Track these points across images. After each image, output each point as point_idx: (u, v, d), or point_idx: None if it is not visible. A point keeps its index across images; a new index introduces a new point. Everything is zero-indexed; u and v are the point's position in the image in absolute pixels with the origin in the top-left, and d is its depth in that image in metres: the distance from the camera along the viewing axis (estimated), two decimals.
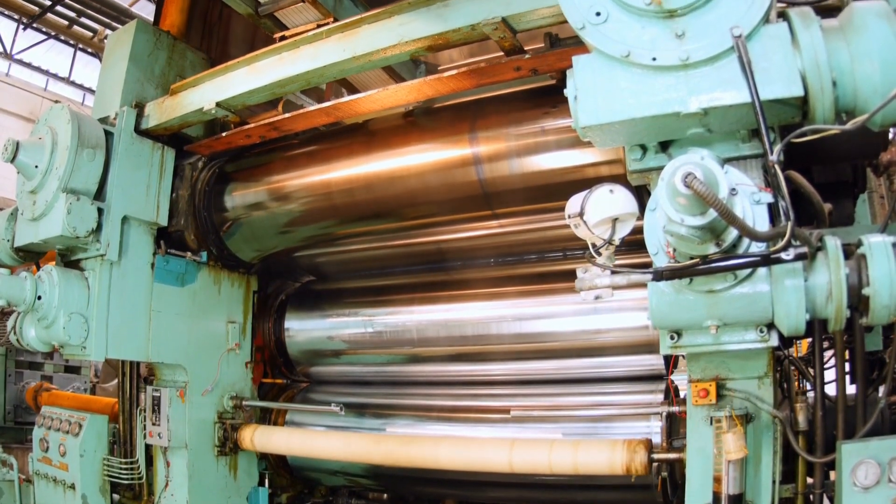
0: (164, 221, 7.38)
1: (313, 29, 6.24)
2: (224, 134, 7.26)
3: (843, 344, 4.56)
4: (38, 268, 6.83)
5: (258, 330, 8.58)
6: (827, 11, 4.16)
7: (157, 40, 7.62)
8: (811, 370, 4.69)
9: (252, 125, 7.04)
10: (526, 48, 5.60)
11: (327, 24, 6.50)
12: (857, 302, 3.50)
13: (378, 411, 7.82)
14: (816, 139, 3.40)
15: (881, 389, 4.59)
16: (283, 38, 6.65)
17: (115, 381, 9.22)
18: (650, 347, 6.35)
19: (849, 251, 3.57)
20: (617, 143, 4.04)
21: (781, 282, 3.56)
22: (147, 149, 7.25)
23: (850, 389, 4.64)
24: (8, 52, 25.12)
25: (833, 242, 3.56)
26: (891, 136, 4.66)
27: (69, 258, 6.97)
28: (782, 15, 3.68)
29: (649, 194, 3.92)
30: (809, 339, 5.16)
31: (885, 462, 3.84)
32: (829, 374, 4.73)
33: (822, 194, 4.03)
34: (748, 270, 3.63)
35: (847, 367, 4.74)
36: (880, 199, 7.14)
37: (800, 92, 3.37)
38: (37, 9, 18.85)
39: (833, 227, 4.18)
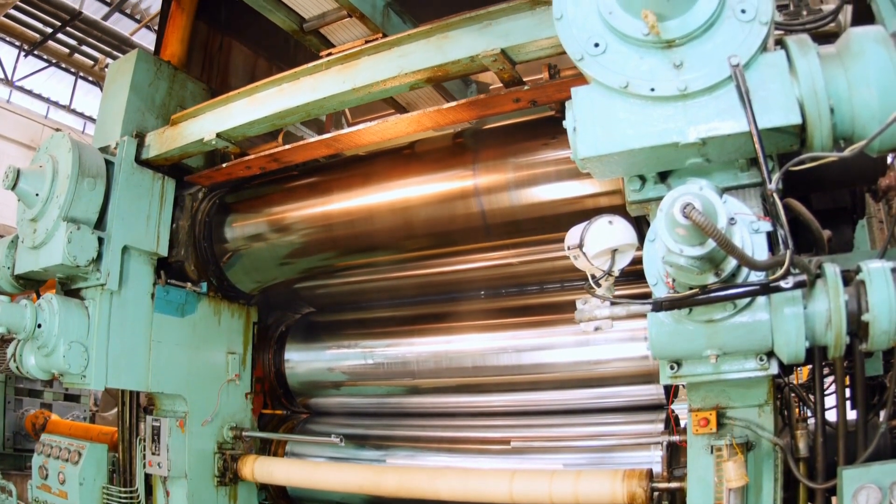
0: (164, 252, 7.39)
1: (360, 45, 6.20)
2: (224, 165, 7.29)
3: (843, 370, 4.55)
4: (38, 296, 6.83)
5: (258, 361, 8.56)
6: (825, 37, 4.19)
7: (157, 70, 7.66)
8: (811, 397, 4.68)
9: (252, 156, 7.06)
10: (525, 79, 5.63)
11: (375, 39, 6.50)
12: (857, 328, 3.49)
13: (378, 443, 7.80)
14: (815, 166, 3.39)
15: (882, 414, 4.58)
16: (329, 55, 6.59)
17: (115, 409, 9.22)
18: (650, 377, 6.34)
19: (848, 278, 3.56)
20: (616, 175, 4.04)
21: (781, 310, 3.55)
22: (147, 179, 7.27)
23: (851, 415, 4.63)
24: (9, 78, 25.20)
25: (832, 269, 3.56)
26: (889, 160, 4.67)
27: (69, 287, 6.96)
28: (780, 42, 3.69)
29: (648, 225, 3.93)
30: (810, 366, 5.16)
31: (885, 486, 3.82)
32: (830, 400, 4.72)
33: (821, 221, 4.04)
34: (747, 299, 3.62)
35: (848, 392, 4.74)
36: (879, 224, 7.15)
37: (798, 120, 3.37)
38: (38, 36, 18.93)
39: (832, 253, 4.19)
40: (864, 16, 4.40)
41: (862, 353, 4.30)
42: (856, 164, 3.72)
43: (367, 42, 6.49)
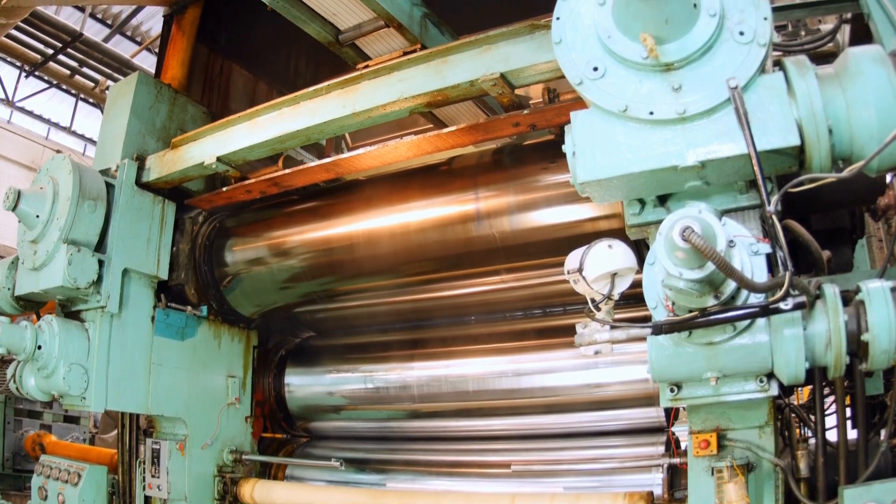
0: (164, 275, 7.40)
1: (398, 57, 6.22)
2: (224, 189, 7.31)
3: (843, 390, 4.55)
4: (39, 317, 6.83)
5: (258, 384, 8.55)
6: (823, 57, 4.21)
7: (158, 93, 7.70)
8: (812, 417, 4.67)
9: (252, 180, 7.09)
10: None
11: (414, 51, 6.55)
12: (857, 348, 3.48)
13: (378, 466, 7.78)
14: (814, 187, 3.40)
15: (883, 433, 4.58)
16: (366, 67, 6.61)
17: (115, 431, 9.21)
18: (650, 400, 6.33)
19: (847, 298, 3.55)
20: (615, 199, 4.03)
21: (780, 331, 3.54)
22: (148, 202, 7.29)
23: (852, 434, 4.62)
24: (10, 99, 25.24)
25: (831, 290, 3.55)
26: (888, 180, 4.67)
27: (69, 309, 6.96)
28: (778, 63, 3.70)
29: (648, 248, 3.93)
30: (810, 386, 5.15)
31: None
32: (831, 420, 4.72)
33: (821, 241, 4.03)
34: (747, 321, 3.61)
35: (848, 412, 4.73)
36: (879, 244, 7.17)
37: (796, 141, 3.37)
38: (39, 57, 18.92)
39: (832, 273, 4.18)
40: (863, 35, 4.42)
41: (862, 373, 4.31)
42: (855, 183, 3.70)
43: (404, 54, 6.52)
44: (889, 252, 4.48)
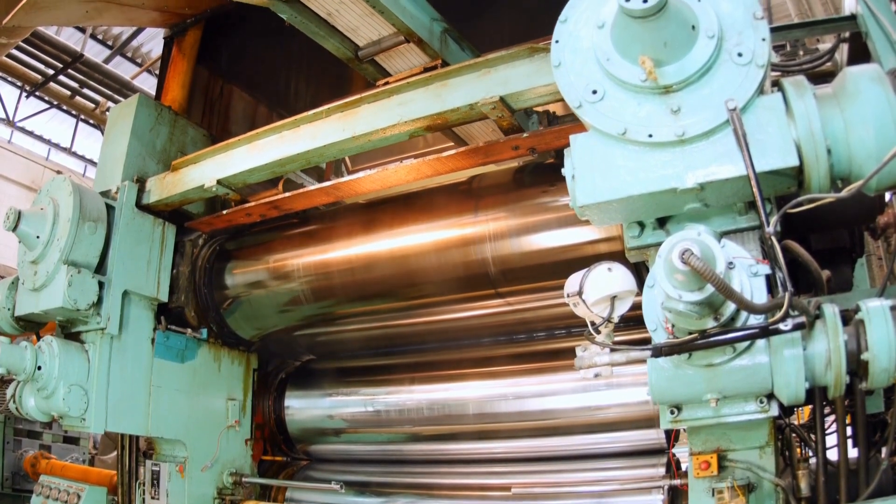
0: (164, 297, 7.40)
1: (419, 73, 6.23)
2: (225, 212, 7.32)
3: (843, 409, 4.55)
4: (38, 338, 6.82)
5: (258, 407, 8.54)
6: (822, 77, 4.22)
7: (158, 115, 7.72)
8: (813, 436, 4.67)
9: (252, 203, 7.10)
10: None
11: (435, 67, 6.52)
12: (857, 367, 3.48)
13: (379, 489, 7.75)
14: (813, 207, 3.41)
15: (884, 451, 4.57)
16: (385, 83, 6.57)
17: (114, 453, 9.18)
18: (651, 422, 6.32)
19: (847, 317, 3.55)
20: (615, 221, 4.04)
21: (780, 352, 3.54)
22: (148, 224, 7.30)
23: (853, 453, 4.62)
24: (10, 119, 25.28)
25: (831, 310, 3.55)
26: (887, 198, 4.68)
27: (69, 330, 6.95)
28: (776, 84, 3.71)
29: (648, 270, 3.93)
30: (811, 406, 5.15)
31: None
32: (831, 439, 4.71)
33: (820, 261, 4.02)
34: (747, 343, 3.61)
35: (849, 430, 4.73)
36: (878, 262, 7.18)
37: (795, 162, 3.38)
38: (40, 77, 18.95)
39: (832, 293, 4.17)
40: (861, 54, 4.45)
41: (862, 392, 4.31)
42: (854, 203, 3.70)
43: (425, 70, 6.48)
44: (889, 270, 4.50)
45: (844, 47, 4.95)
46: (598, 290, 4.05)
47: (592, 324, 4.11)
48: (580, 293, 4.07)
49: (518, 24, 8.97)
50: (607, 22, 3.72)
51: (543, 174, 6.38)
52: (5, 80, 22.48)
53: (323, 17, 6.69)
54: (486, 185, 6.80)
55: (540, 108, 5.92)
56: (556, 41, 3.93)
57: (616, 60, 3.64)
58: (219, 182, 6.74)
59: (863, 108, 3.44)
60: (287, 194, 6.93)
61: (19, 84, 21.62)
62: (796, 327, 3.32)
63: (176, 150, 7.80)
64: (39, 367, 6.43)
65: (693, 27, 3.53)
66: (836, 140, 3.46)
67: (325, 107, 6.24)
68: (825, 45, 5.26)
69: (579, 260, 5.36)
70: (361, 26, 6.84)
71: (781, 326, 3.32)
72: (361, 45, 7.13)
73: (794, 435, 5.18)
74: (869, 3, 4.37)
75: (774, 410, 3.77)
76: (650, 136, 3.53)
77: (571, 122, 5.30)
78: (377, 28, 6.86)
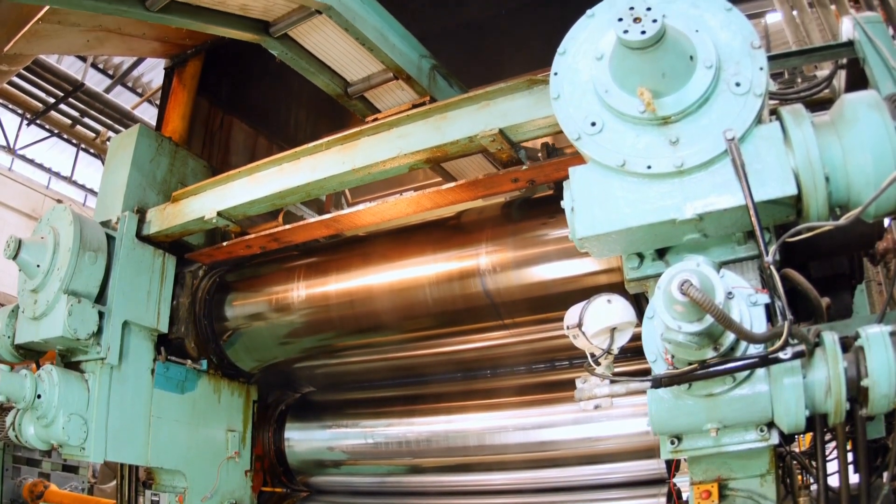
0: (164, 328, 7.39)
1: (408, 110, 6.27)
2: (225, 243, 7.35)
3: (844, 435, 4.54)
4: (38, 366, 6.82)
5: (258, 439, 8.51)
6: (820, 104, 4.24)
7: (159, 146, 7.75)
8: (814, 463, 4.65)
9: (252, 235, 7.12)
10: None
11: (423, 103, 6.60)
12: (857, 393, 3.48)
13: None
14: (812, 235, 3.42)
15: (885, 475, 4.56)
16: (374, 120, 6.65)
17: (114, 482, 9.15)
18: (651, 452, 6.29)
19: (847, 344, 3.55)
20: (614, 253, 4.04)
21: (780, 381, 3.53)
22: (148, 255, 7.31)
23: (854, 479, 4.61)
24: (11, 146, 25.33)
25: (830, 338, 3.54)
26: (886, 224, 4.69)
27: (69, 359, 6.92)
28: (774, 112, 3.73)
29: (648, 301, 3.93)
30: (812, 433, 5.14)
31: None
32: (833, 465, 4.69)
33: (820, 288, 4.01)
34: (747, 372, 3.61)
35: (850, 456, 4.72)
36: (878, 287, 7.18)
37: (793, 191, 3.39)
38: (41, 105, 18.99)
39: (832, 320, 4.17)
40: (858, 80, 4.46)
41: (863, 418, 4.31)
42: (852, 229, 3.71)
43: (413, 107, 6.53)
44: (888, 296, 4.50)
45: (842, 74, 4.97)
46: (598, 321, 4.05)
47: (592, 355, 4.11)
48: (580, 325, 4.08)
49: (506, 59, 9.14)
50: (606, 53, 3.75)
51: (543, 206, 6.39)
52: (6, 107, 22.58)
53: (314, 53, 6.78)
54: (486, 217, 6.81)
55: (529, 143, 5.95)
56: (555, 73, 3.95)
57: (615, 92, 3.66)
58: (219, 214, 6.77)
59: (860, 135, 3.47)
60: (287, 226, 6.95)
61: (20, 112, 21.67)
62: (796, 356, 3.32)
63: (176, 182, 7.82)
64: (39, 396, 6.40)
65: (691, 57, 3.56)
66: (835, 167, 3.48)
67: (326, 139, 6.28)
68: (823, 72, 5.27)
69: (579, 291, 5.37)
70: (351, 63, 7.03)
71: (781, 355, 3.31)
72: (351, 81, 7.26)
73: (795, 462, 5.17)
74: (866, 29, 4.39)
75: (775, 439, 3.76)
76: (649, 167, 3.55)
77: (571, 154, 5.32)
78: (367, 65, 7.02)
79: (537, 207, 6.52)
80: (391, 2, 7.18)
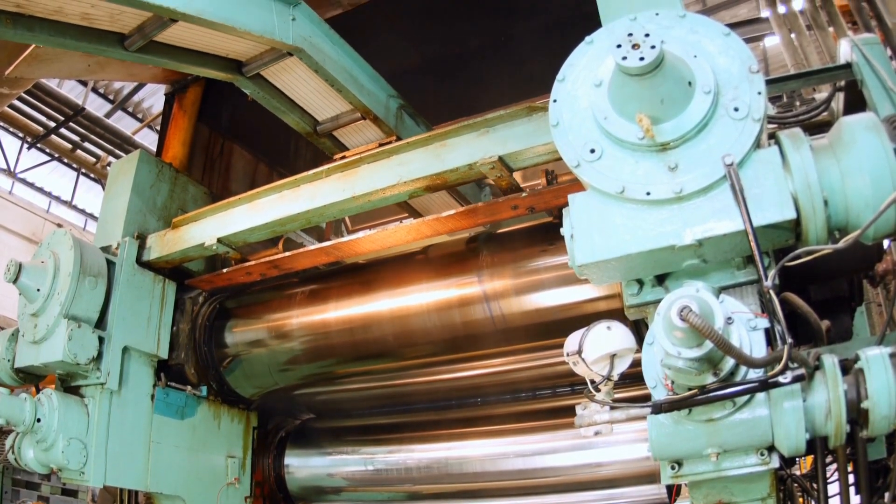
0: (164, 354, 7.38)
1: (374, 149, 6.32)
2: (225, 270, 7.35)
3: (845, 457, 4.53)
4: (38, 390, 6.82)
5: (258, 465, 8.48)
6: (819, 127, 4.25)
7: (159, 172, 7.76)
8: (815, 486, 4.64)
9: (253, 262, 7.14)
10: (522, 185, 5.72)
11: (390, 142, 6.71)
12: (857, 415, 3.47)
13: None
14: (811, 259, 3.43)
15: (887, 496, 4.54)
16: (342, 157, 6.74)
17: None
18: (652, 478, 6.28)
19: (847, 366, 3.55)
20: (614, 280, 4.04)
21: (780, 404, 3.53)
22: (148, 281, 7.31)
23: (856, 500, 4.59)
24: (12, 169, 25.39)
25: (830, 360, 3.54)
26: (885, 245, 4.70)
27: (69, 383, 6.91)
28: (772, 136, 3.74)
29: (647, 327, 3.93)
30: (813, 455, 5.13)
31: None
32: (834, 488, 4.68)
33: (820, 311, 3.99)
34: (746, 396, 3.60)
35: (852, 478, 4.71)
36: (878, 309, 7.18)
37: (792, 215, 3.39)
38: (41, 129, 19.08)
39: (832, 342, 4.16)
40: (857, 101, 4.48)
41: (864, 440, 4.30)
42: (852, 251, 3.71)
43: (380, 145, 6.63)
44: (888, 317, 4.50)
45: (840, 96, 4.99)
46: (598, 348, 4.06)
47: (592, 382, 4.11)
48: (580, 352, 4.08)
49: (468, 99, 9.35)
50: (604, 80, 3.76)
51: (543, 234, 6.41)
52: (7, 130, 22.70)
53: (285, 92, 6.94)
54: (486, 244, 6.81)
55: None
56: (555, 100, 3.97)
57: (613, 119, 3.67)
58: (219, 240, 6.78)
59: (859, 158, 3.47)
60: (287, 254, 6.97)
61: (21, 135, 21.77)
62: (795, 380, 3.31)
63: (176, 208, 7.84)
64: (39, 420, 6.37)
65: (689, 83, 3.57)
66: (833, 191, 3.49)
67: (326, 166, 6.32)
68: (822, 94, 5.29)
69: (579, 318, 5.37)
70: (320, 103, 7.23)
71: (781, 379, 3.30)
72: (320, 120, 7.44)
73: (796, 485, 5.16)
74: (864, 51, 4.41)
75: (775, 462, 3.74)
76: (648, 193, 3.55)
77: (570, 181, 5.33)
78: (335, 105, 7.20)
79: (537, 234, 6.53)
80: (360, 40, 7.39)
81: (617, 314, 4.33)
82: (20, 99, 17.10)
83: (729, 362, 3.49)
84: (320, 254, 6.85)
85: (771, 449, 3.72)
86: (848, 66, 4.67)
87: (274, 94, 7.09)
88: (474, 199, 8.18)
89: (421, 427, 8.02)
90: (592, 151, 3.71)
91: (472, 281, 6.54)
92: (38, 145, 20.47)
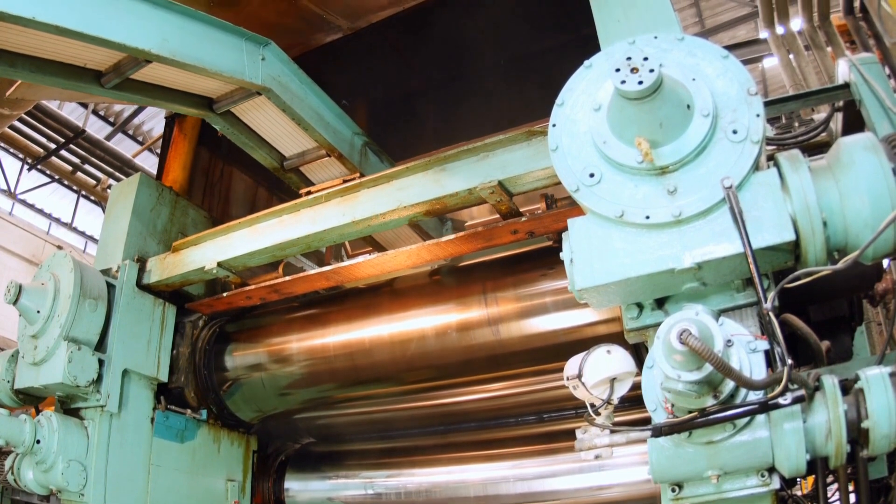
0: (164, 377, 7.36)
1: (339, 185, 6.42)
2: (225, 294, 7.35)
3: (846, 477, 4.53)
4: (38, 411, 6.79)
5: (258, 489, 8.43)
6: (817, 148, 4.26)
7: (159, 195, 7.78)
8: None
9: (253, 287, 7.14)
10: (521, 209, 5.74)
11: (353, 179, 6.76)
12: (857, 435, 3.46)
13: None
14: (810, 280, 3.43)
15: None
16: (308, 193, 6.83)
17: None
18: (653, 501, 6.24)
19: (847, 386, 3.54)
20: (613, 304, 4.05)
21: (780, 426, 3.51)
22: (148, 304, 7.30)
23: None
24: (12, 190, 25.41)
25: (830, 381, 3.53)
26: (885, 265, 4.70)
27: (69, 405, 6.89)
28: (771, 158, 3.75)
29: (647, 351, 3.94)
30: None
31: None
32: None
33: (820, 332, 4.01)
34: (747, 418, 3.60)
35: (853, 497, 4.69)
36: (878, 328, 7.16)
37: (791, 237, 3.40)
38: (42, 151, 19.11)
39: (832, 362, 4.16)
40: (855, 121, 4.50)
41: (864, 459, 4.29)
42: (851, 272, 3.71)
43: (344, 181, 6.78)
44: (888, 337, 4.50)
45: (839, 116, 5.01)
46: (598, 372, 4.06)
47: (592, 406, 4.11)
48: (580, 376, 4.08)
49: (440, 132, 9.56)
50: (603, 104, 3.78)
51: (543, 258, 6.41)
52: (7, 151, 22.72)
53: (253, 129, 7.17)
54: (486, 267, 6.84)
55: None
56: (554, 125, 3.99)
57: (612, 143, 3.69)
58: (219, 264, 6.80)
59: (857, 178, 3.49)
60: (287, 278, 6.97)
61: (21, 156, 21.80)
62: (795, 401, 3.31)
63: (177, 231, 7.85)
64: (38, 441, 6.36)
65: (688, 106, 3.59)
66: (832, 212, 3.50)
67: (325, 191, 6.34)
68: (820, 115, 5.30)
69: (579, 342, 5.37)
70: (287, 140, 7.38)
71: (781, 401, 3.30)
72: (287, 156, 7.58)
73: None
74: (862, 71, 4.44)
75: (776, 483, 3.72)
76: (647, 217, 3.57)
77: (568, 205, 5.34)
78: (302, 142, 7.36)
79: (536, 259, 6.54)
80: (324, 76, 7.66)
81: (617, 338, 4.32)
82: (21, 120, 17.13)
83: (729, 385, 3.48)
84: (320, 278, 6.86)
85: (771, 470, 3.71)
86: (846, 86, 4.70)
87: (243, 130, 7.22)
88: (436, 233, 8.25)
89: (421, 451, 8.00)
90: (592, 176, 3.72)
91: (472, 305, 6.54)
92: (39, 167, 20.48)
